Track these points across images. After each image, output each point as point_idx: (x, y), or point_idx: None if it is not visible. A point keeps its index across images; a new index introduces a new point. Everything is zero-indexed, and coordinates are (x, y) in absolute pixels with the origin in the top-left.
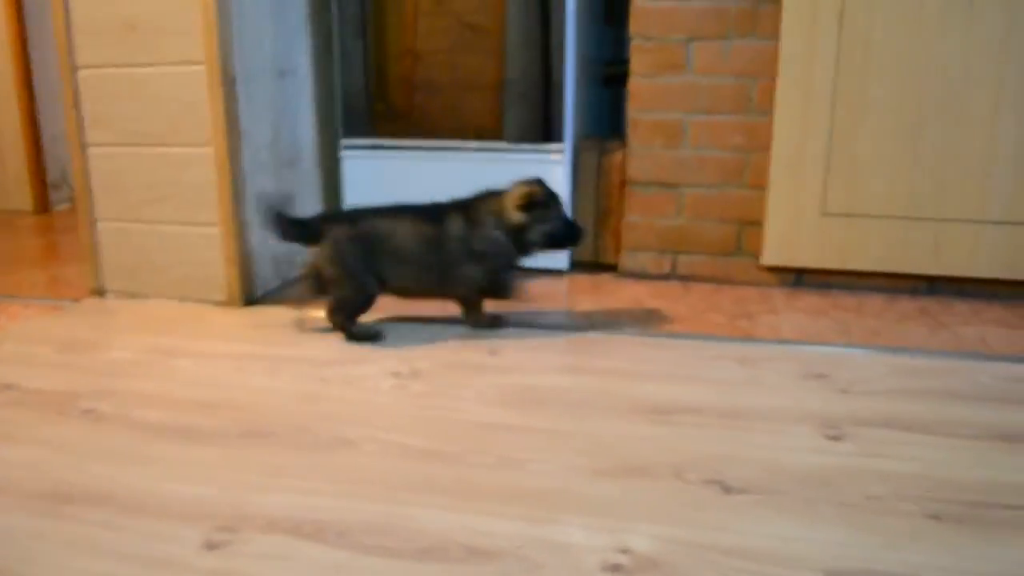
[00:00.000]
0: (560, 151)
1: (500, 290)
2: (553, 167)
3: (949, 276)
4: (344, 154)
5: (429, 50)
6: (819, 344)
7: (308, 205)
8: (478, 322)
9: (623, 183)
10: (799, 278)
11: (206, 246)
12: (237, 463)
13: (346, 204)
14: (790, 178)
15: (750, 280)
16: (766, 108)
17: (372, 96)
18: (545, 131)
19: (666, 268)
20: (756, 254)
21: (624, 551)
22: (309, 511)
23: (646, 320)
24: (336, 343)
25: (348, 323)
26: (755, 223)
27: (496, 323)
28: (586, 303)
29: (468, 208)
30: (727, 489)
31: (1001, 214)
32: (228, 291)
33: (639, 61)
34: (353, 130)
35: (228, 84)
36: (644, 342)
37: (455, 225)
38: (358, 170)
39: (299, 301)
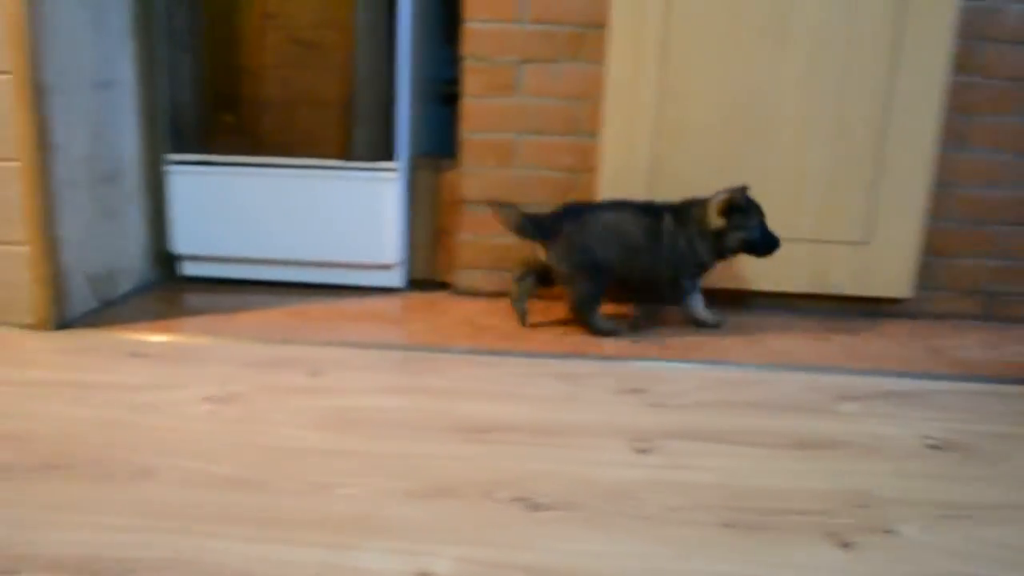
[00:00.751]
0: (394, 169)
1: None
2: (386, 185)
3: (764, 291)
4: (170, 169)
5: (261, 65)
6: (640, 359)
7: (131, 221)
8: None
9: (458, 202)
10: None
11: (13, 266)
12: (24, 498)
13: (180, 220)
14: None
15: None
16: (594, 130)
17: (201, 111)
18: (379, 149)
19: (498, 286)
20: None
21: (424, 575)
22: (97, 548)
23: (476, 338)
24: (150, 367)
25: (593, 316)
26: None
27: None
28: (418, 321)
29: (679, 209)
30: (534, 506)
31: (810, 233)
32: (37, 314)
33: (471, 82)
34: (181, 145)
35: (38, 95)
36: (471, 360)
37: (669, 222)
38: (185, 186)
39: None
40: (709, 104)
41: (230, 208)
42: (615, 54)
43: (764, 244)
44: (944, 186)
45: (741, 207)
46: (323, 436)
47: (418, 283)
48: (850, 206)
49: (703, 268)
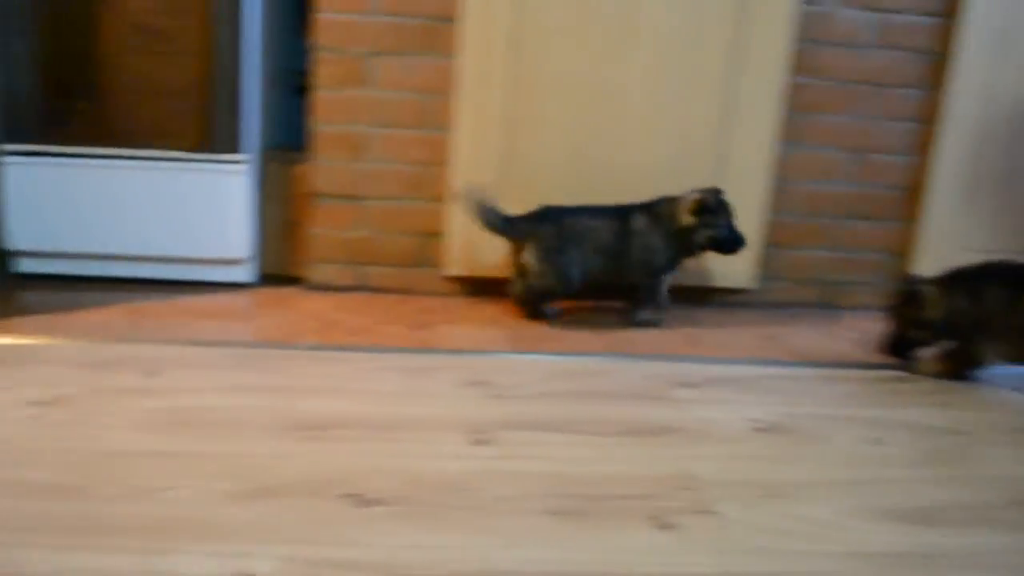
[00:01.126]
0: (242, 161)
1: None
2: (234, 178)
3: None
4: (3, 160)
5: (101, 51)
6: (486, 352)
7: None
8: (646, 316)
9: (310, 195)
10: (481, 287)
11: None
12: None
13: (15, 214)
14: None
15: (435, 290)
16: (446, 124)
17: (37, 98)
18: (226, 141)
19: (352, 280)
20: (439, 265)
21: None
22: None
23: (324, 333)
24: None
25: (542, 308)
26: (437, 235)
27: (654, 323)
28: (267, 317)
29: (649, 208)
30: (364, 502)
31: None
32: None
33: (323, 73)
34: (15, 135)
35: None
36: (316, 356)
37: (640, 222)
38: (20, 178)
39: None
40: (560, 97)
41: (69, 201)
42: (467, 47)
43: (731, 242)
44: (783, 181)
45: (711, 207)
46: (152, 438)
47: (270, 278)
48: None
49: (673, 265)
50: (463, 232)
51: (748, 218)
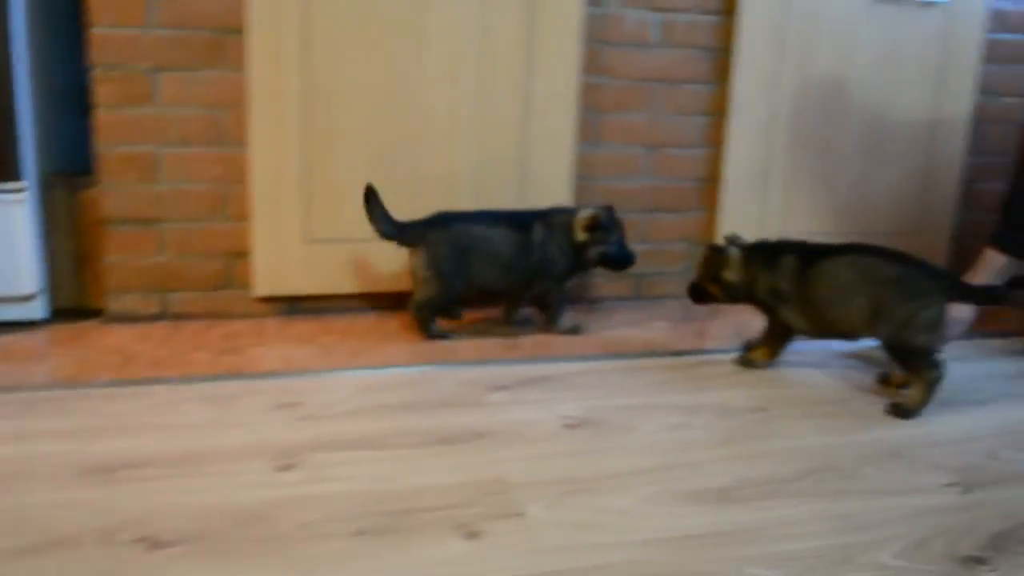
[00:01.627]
0: (21, 189)
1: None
2: (13, 208)
3: None
4: None
5: None
6: (297, 372)
7: None
8: (560, 326)
9: (101, 221)
10: (293, 306)
11: None
12: None
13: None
14: (272, 208)
15: (245, 313)
16: (241, 139)
17: None
18: (4, 167)
19: (155, 309)
20: (248, 286)
21: None
22: None
23: (122, 368)
24: None
25: (431, 322)
26: (243, 255)
27: (576, 330)
28: (61, 355)
29: (547, 218)
30: (156, 545)
31: None
32: None
33: (103, 92)
34: None
35: None
36: (112, 393)
37: (539, 232)
38: None
39: None
40: (357, 106)
41: None
42: (255, 59)
43: (622, 259)
44: (585, 179)
45: (604, 224)
46: None
47: (65, 313)
48: (502, 203)
49: (569, 276)
50: (270, 250)
51: None
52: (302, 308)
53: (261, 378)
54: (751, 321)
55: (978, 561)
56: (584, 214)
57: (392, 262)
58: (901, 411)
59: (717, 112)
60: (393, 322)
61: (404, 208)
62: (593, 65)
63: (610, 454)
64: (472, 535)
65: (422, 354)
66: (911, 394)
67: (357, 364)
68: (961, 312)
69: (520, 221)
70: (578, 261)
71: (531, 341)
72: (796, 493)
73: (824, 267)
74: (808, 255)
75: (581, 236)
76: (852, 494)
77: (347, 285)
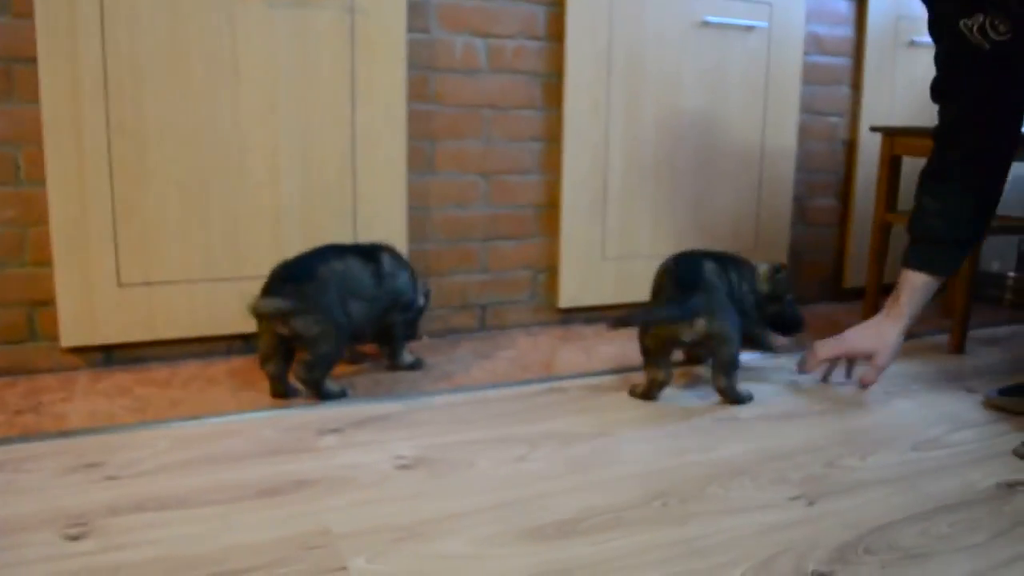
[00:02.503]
0: None
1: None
2: None
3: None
4: None
5: None
6: (105, 429)
7: None
8: (402, 362)
9: None
10: (108, 356)
11: None
12: None
13: None
14: (77, 251)
15: (54, 366)
16: (39, 178)
17: None
18: None
19: None
20: (55, 336)
21: None
22: None
23: None
24: None
25: (325, 381)
26: (48, 303)
27: (417, 365)
28: None
29: (390, 250)
30: None
31: None
32: None
33: None
34: None
35: None
36: None
37: (388, 263)
38: None
39: None
40: (168, 141)
41: None
42: (48, 91)
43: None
44: (421, 210)
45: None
46: None
47: None
48: (332, 237)
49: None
50: (77, 297)
51: None
52: (119, 358)
53: (62, 438)
54: (597, 347)
55: None
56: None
57: (216, 304)
58: None
59: (551, 138)
60: (219, 367)
61: (224, 247)
62: (421, 92)
63: (445, 495)
64: None
65: (248, 401)
66: None
67: (175, 416)
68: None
69: (364, 251)
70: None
71: (366, 378)
72: (640, 520)
73: None
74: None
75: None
76: (698, 516)
77: (167, 330)
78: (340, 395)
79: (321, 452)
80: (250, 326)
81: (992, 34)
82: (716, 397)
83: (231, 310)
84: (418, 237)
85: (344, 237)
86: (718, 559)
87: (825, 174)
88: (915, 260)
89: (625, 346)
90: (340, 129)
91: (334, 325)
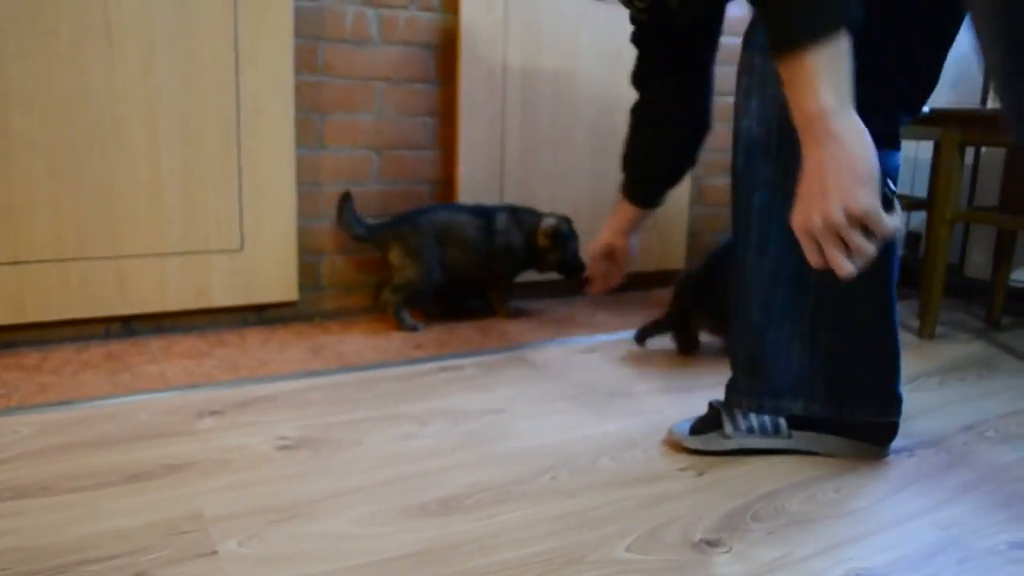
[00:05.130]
0: None
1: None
2: None
3: (141, 314)
4: None
5: None
6: None
7: None
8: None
9: None
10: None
11: None
12: None
13: None
14: None
15: None
16: None
17: None
18: None
19: None
20: None
21: None
22: None
23: None
24: None
25: (402, 308)
26: None
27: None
28: None
29: (514, 212)
30: None
31: (179, 245)
32: None
33: None
34: None
35: None
36: None
37: (502, 221)
38: None
39: None
40: (34, 109)
41: None
42: None
43: (575, 268)
44: (312, 185)
45: (564, 235)
46: None
47: None
48: (217, 213)
49: (524, 268)
50: None
51: (279, 227)
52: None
53: None
54: (493, 325)
55: (711, 544)
56: (546, 223)
57: (91, 284)
58: None
59: (446, 112)
60: (96, 351)
61: (98, 223)
62: (310, 63)
63: (327, 475)
64: None
65: (123, 384)
66: None
67: (43, 401)
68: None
69: (483, 210)
70: (534, 259)
71: (252, 358)
72: (527, 495)
73: None
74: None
75: (543, 242)
76: (587, 489)
77: (37, 313)
78: (412, 327)
79: (199, 435)
80: (129, 307)
81: (638, 2)
82: (611, 372)
83: (108, 290)
84: (308, 214)
85: (229, 212)
86: (606, 530)
87: (723, 153)
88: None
89: (522, 326)
90: (223, 99)
91: (421, 263)
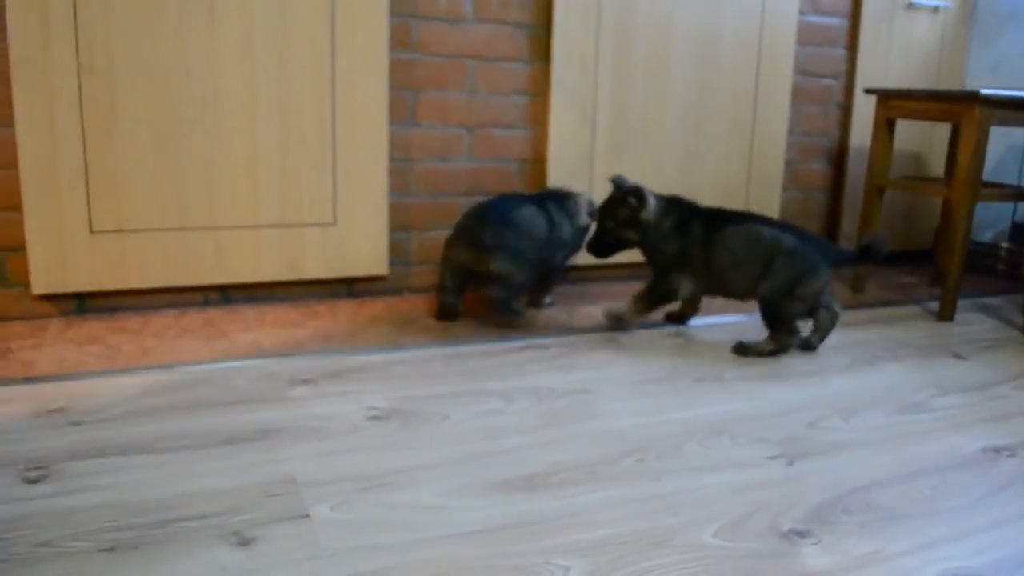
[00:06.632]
0: None
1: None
2: None
3: (237, 283)
4: None
5: None
6: (71, 375)
7: None
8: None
9: None
10: (81, 304)
11: None
12: None
13: None
14: (47, 196)
15: (24, 313)
16: (6, 119)
17: None
18: None
19: None
20: (26, 283)
21: None
22: None
23: None
24: None
25: (512, 301)
26: (18, 248)
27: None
28: None
29: (557, 199)
30: None
31: (275, 218)
32: None
33: None
34: None
35: None
36: None
37: (555, 212)
38: None
39: None
40: (140, 83)
41: None
42: (15, 28)
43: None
44: (402, 162)
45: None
46: None
47: None
48: (311, 187)
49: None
50: (48, 243)
51: (371, 202)
52: (92, 306)
53: (28, 383)
54: (578, 307)
55: (800, 534)
56: (585, 199)
57: (190, 253)
58: (743, 349)
59: (538, 91)
60: (194, 317)
61: (198, 195)
62: (404, 40)
63: (415, 446)
64: (245, 543)
65: (220, 350)
66: (760, 343)
67: (146, 364)
68: None
69: (536, 200)
70: (580, 241)
71: (343, 330)
72: (613, 476)
73: (726, 235)
74: (709, 222)
75: (585, 220)
76: (673, 473)
77: (140, 280)
78: (519, 314)
79: (291, 402)
80: (225, 277)
81: None
82: (698, 356)
83: (205, 260)
84: (399, 190)
85: (323, 187)
86: (691, 515)
87: (818, 137)
88: None
89: (606, 303)
90: (319, 76)
91: (528, 263)
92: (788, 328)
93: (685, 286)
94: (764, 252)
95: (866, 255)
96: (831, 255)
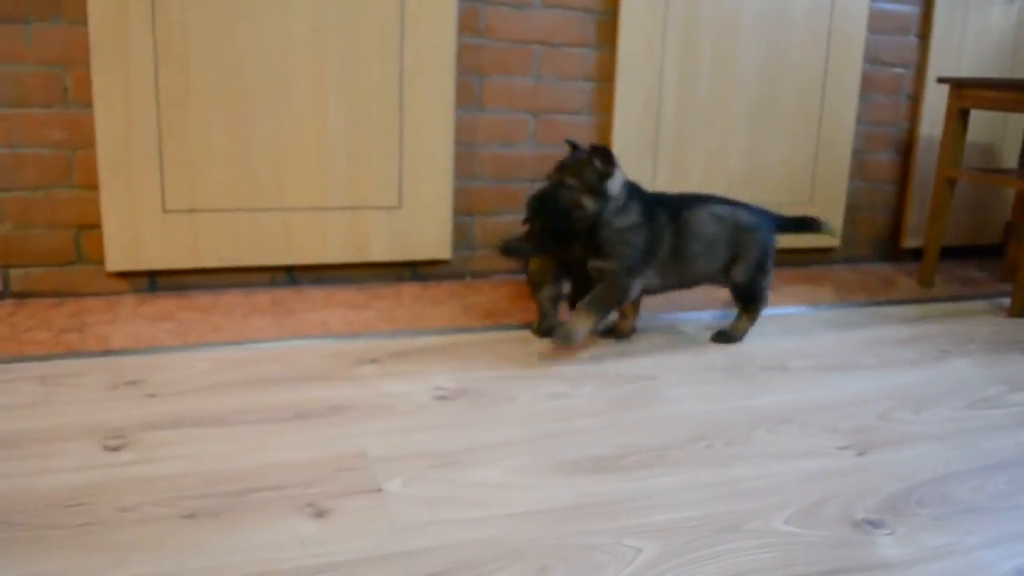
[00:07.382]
0: None
1: None
2: None
3: (304, 264)
4: None
5: None
6: (146, 350)
7: None
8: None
9: None
10: (153, 282)
11: None
12: None
13: None
14: (122, 175)
15: (99, 289)
16: (86, 100)
17: None
18: None
19: None
20: (101, 260)
21: None
22: None
23: None
24: None
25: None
26: (94, 226)
27: None
28: None
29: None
30: None
31: (341, 200)
32: None
33: None
34: None
35: None
36: None
37: None
38: None
39: None
40: (213, 67)
41: None
42: (95, 12)
43: None
44: (467, 146)
45: None
46: None
47: None
48: (378, 171)
49: None
50: (123, 221)
51: (437, 186)
52: (164, 284)
53: (104, 356)
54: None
55: (874, 524)
56: None
57: (259, 234)
58: (727, 337)
59: (604, 77)
60: (262, 297)
61: (268, 176)
62: (471, 25)
63: (483, 425)
64: (320, 514)
65: (288, 329)
66: (738, 323)
67: (216, 340)
68: None
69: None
70: None
71: (407, 313)
72: (682, 460)
73: (689, 220)
74: (668, 208)
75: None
76: (742, 459)
77: (210, 259)
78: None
79: (359, 380)
80: (293, 258)
81: None
82: (765, 345)
83: (274, 240)
84: (465, 174)
85: (389, 170)
86: (762, 501)
87: (887, 127)
88: None
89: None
90: (388, 60)
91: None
92: (764, 302)
93: (636, 287)
94: (728, 232)
95: (804, 224)
96: (777, 222)
